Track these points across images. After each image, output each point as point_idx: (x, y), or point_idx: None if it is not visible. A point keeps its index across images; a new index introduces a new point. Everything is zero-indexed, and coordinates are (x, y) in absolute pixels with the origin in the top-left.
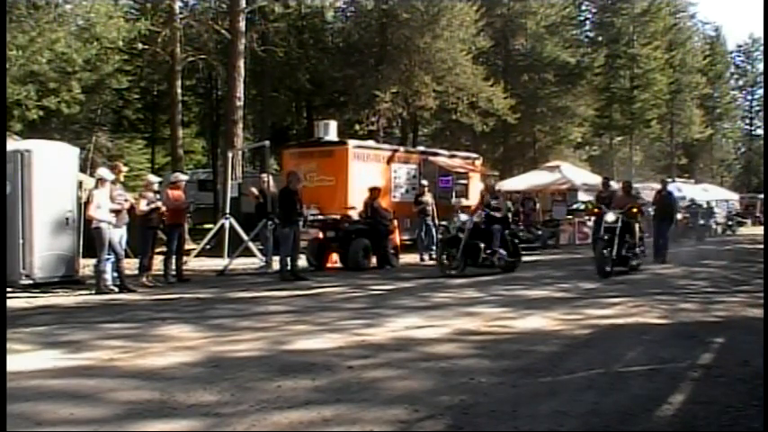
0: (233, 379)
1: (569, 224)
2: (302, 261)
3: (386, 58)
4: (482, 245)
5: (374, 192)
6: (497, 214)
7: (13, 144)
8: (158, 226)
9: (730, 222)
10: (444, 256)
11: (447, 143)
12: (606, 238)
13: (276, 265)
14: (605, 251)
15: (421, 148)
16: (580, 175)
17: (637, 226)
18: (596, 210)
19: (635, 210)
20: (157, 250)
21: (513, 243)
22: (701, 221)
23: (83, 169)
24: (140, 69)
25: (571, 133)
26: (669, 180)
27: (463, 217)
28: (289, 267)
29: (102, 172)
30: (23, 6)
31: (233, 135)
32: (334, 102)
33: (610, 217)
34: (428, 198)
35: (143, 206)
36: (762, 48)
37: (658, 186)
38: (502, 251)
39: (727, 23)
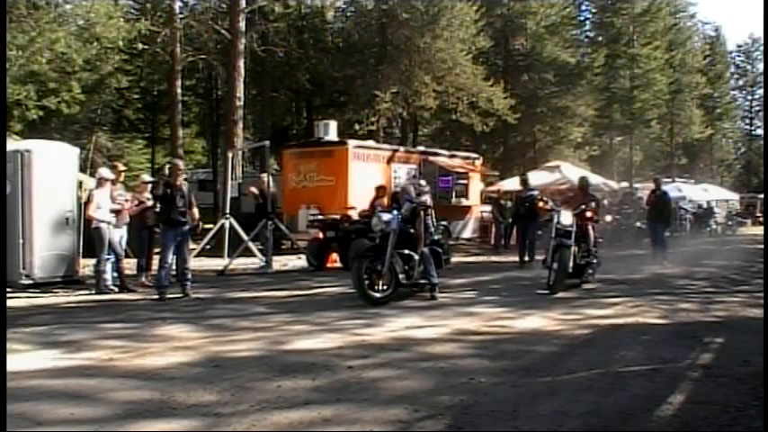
0: (233, 379)
1: None
2: (302, 261)
3: (386, 58)
4: (413, 255)
5: (379, 191)
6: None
7: (13, 144)
8: (156, 225)
9: (730, 222)
10: (366, 277)
11: (447, 143)
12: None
13: (276, 265)
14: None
15: (421, 148)
16: (580, 175)
17: (592, 230)
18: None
19: (589, 212)
20: (156, 250)
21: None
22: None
23: (83, 169)
24: (140, 69)
25: (571, 133)
26: (668, 180)
27: (386, 216)
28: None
29: (102, 172)
30: (23, 6)
31: (233, 135)
32: (335, 102)
33: (565, 219)
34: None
35: (133, 206)
36: (762, 48)
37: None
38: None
39: (727, 23)
